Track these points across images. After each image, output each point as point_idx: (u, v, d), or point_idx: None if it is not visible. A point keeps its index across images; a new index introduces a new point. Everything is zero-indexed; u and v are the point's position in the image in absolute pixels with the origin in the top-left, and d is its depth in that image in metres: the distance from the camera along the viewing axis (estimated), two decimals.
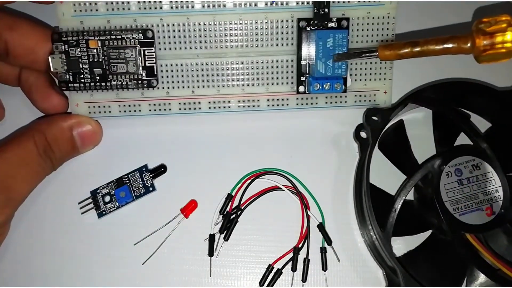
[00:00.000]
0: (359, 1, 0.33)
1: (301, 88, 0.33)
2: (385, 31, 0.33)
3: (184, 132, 0.34)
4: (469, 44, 0.23)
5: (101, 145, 0.34)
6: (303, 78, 0.33)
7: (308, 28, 0.32)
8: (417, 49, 0.24)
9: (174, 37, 0.32)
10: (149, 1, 0.31)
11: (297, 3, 0.32)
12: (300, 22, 0.32)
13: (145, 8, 0.32)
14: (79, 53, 0.31)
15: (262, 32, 0.32)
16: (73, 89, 0.32)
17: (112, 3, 0.31)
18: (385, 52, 0.25)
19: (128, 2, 0.31)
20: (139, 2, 0.31)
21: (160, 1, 0.31)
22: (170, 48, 0.32)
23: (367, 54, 0.27)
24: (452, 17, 0.37)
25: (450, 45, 0.23)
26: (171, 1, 0.31)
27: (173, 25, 0.32)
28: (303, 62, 0.33)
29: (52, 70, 0.31)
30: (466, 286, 0.32)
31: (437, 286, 0.31)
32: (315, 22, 0.32)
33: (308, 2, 0.32)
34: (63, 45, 0.31)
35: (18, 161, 0.29)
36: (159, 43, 0.32)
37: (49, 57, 0.31)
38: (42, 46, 0.31)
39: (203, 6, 0.32)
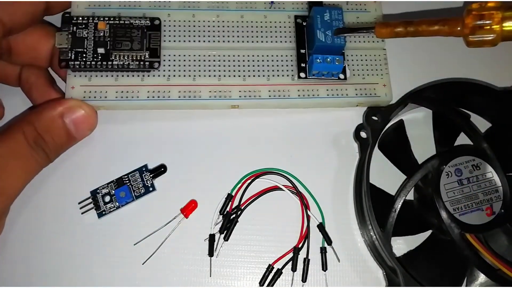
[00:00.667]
0: (347, 9, 0.36)
1: (302, 75, 0.34)
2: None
3: (184, 132, 0.34)
4: (459, 27, 0.24)
5: (101, 145, 0.34)
6: (303, 65, 0.34)
7: (304, 24, 0.35)
8: (411, 28, 0.25)
9: (179, 31, 0.34)
10: (160, 0, 0.34)
11: (293, 8, 0.35)
12: (297, 19, 0.35)
13: (154, 6, 0.34)
14: (86, 34, 0.32)
15: (262, 31, 0.35)
16: (72, 67, 0.31)
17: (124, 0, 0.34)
18: (382, 30, 0.27)
19: (139, 0, 0.34)
20: (149, 0, 0.34)
21: (169, 1, 0.34)
22: (174, 41, 0.33)
23: (364, 30, 0.29)
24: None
25: (442, 27, 0.24)
26: (179, 1, 0.34)
27: (179, 20, 0.34)
28: (302, 51, 0.34)
29: (56, 45, 0.31)
30: (466, 286, 0.32)
31: (437, 286, 0.31)
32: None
33: (303, 8, 0.35)
34: (72, 26, 0.32)
35: (8, 153, 0.28)
36: (164, 36, 0.33)
37: (56, 33, 0.31)
38: (44, 43, 0.31)
39: (208, 7, 0.34)
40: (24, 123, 0.29)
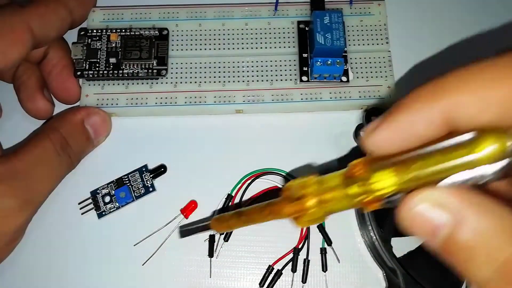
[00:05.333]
0: (351, 13, 0.36)
1: (304, 78, 0.34)
2: (379, 36, 0.36)
3: (184, 132, 0.34)
4: (283, 215, 0.22)
5: (101, 145, 0.34)
6: (305, 68, 0.34)
7: (306, 29, 0.35)
8: (243, 217, 0.24)
9: (186, 40, 0.35)
10: (169, 12, 0.36)
11: (296, 14, 0.36)
12: (300, 24, 0.35)
13: (164, 17, 0.36)
14: (99, 46, 0.34)
15: (266, 37, 0.35)
16: (87, 76, 0.33)
17: (136, 13, 0.36)
18: (217, 225, 0.25)
19: (150, 13, 0.36)
20: (159, 12, 0.36)
21: (178, 12, 0.36)
22: (181, 50, 0.35)
23: (201, 229, 0.27)
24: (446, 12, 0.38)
25: (268, 214, 0.23)
26: (187, 12, 0.36)
27: (187, 30, 0.35)
28: (304, 55, 0.35)
29: (71, 56, 0.33)
30: (466, 287, 0.31)
31: (437, 287, 0.31)
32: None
33: (306, 14, 0.36)
34: (87, 38, 0.34)
35: (36, 160, 0.29)
36: (172, 45, 0.35)
37: (72, 45, 0.33)
38: (14, 51, 0.29)
39: (214, 16, 0.36)
40: (49, 130, 0.30)
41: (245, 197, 0.33)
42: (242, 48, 0.35)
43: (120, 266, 0.32)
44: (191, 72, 0.34)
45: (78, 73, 0.33)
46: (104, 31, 0.34)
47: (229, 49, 0.35)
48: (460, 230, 0.15)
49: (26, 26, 0.29)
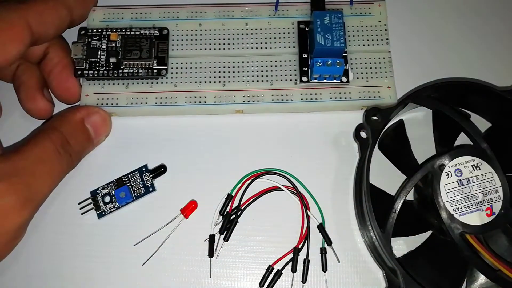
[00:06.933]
0: (351, 13, 0.36)
1: (304, 78, 0.34)
2: (379, 36, 0.36)
3: (184, 132, 0.34)
4: None
5: (101, 145, 0.34)
6: (305, 69, 0.34)
7: (307, 29, 0.35)
8: None
9: (187, 40, 0.35)
10: (169, 12, 0.36)
11: (296, 14, 0.36)
12: (300, 24, 0.35)
13: (164, 17, 0.36)
14: (100, 45, 0.34)
15: (266, 37, 0.35)
16: (87, 76, 0.33)
17: (136, 12, 0.36)
18: None
19: (150, 12, 0.36)
20: (159, 12, 0.36)
21: (178, 12, 0.36)
22: (181, 49, 0.35)
23: None
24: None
25: None
26: (187, 12, 0.36)
27: (187, 30, 0.35)
28: (304, 55, 0.35)
29: (72, 55, 0.33)
30: (466, 287, 0.31)
31: (437, 287, 0.31)
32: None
33: (306, 14, 0.36)
34: (87, 38, 0.34)
35: (36, 159, 0.29)
36: (172, 45, 0.35)
37: (72, 45, 0.33)
38: (12, 47, 0.29)
39: (215, 16, 0.36)
40: (49, 130, 0.30)
41: (245, 197, 0.33)
42: (242, 48, 0.35)
43: (120, 266, 0.32)
44: (191, 72, 0.35)
45: (78, 72, 0.33)
46: (104, 30, 0.34)
47: (229, 49, 0.35)
48: None
49: (25, 23, 0.29)
